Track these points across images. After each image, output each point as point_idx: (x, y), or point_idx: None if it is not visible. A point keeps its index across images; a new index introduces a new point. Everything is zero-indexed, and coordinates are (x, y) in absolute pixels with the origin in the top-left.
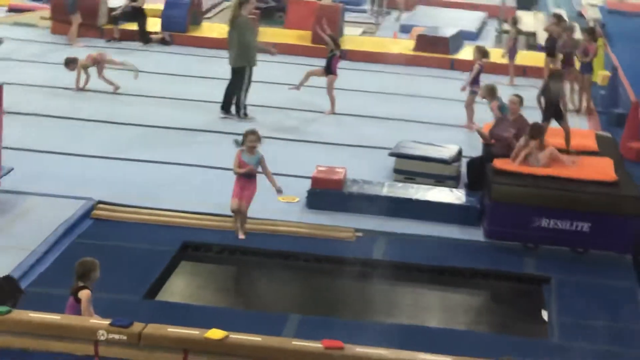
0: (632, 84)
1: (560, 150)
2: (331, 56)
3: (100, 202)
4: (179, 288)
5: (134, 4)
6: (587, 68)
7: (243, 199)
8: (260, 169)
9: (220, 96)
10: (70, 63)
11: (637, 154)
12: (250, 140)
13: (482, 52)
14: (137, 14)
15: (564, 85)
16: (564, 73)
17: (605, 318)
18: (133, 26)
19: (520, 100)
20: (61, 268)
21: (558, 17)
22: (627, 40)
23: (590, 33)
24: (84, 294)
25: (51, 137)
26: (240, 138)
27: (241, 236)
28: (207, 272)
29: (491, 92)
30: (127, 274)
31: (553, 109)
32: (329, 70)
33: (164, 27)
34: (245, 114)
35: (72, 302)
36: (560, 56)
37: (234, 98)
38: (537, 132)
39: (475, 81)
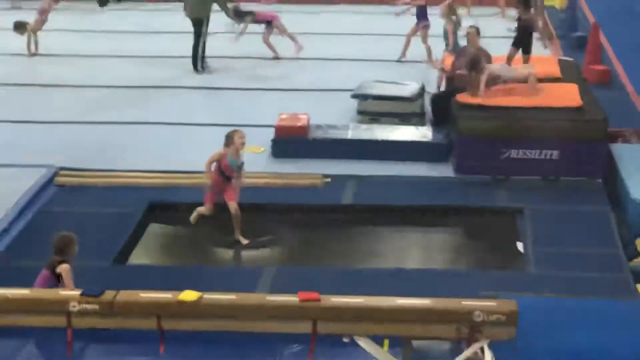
0: (590, 6)
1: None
2: None
3: (62, 168)
4: (148, 250)
5: None
6: None
7: (232, 199)
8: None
9: (176, 50)
10: (19, 27)
11: (600, 77)
12: (240, 137)
13: None
14: None
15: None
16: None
17: (581, 244)
18: None
19: (476, 30)
20: (27, 239)
21: None
22: None
23: None
24: (64, 268)
25: (6, 105)
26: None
27: (244, 241)
28: (176, 232)
29: (450, 11)
30: (95, 239)
31: (525, 38)
32: None
33: None
34: (203, 67)
35: (46, 275)
36: None
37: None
38: (474, 64)
39: (423, 16)
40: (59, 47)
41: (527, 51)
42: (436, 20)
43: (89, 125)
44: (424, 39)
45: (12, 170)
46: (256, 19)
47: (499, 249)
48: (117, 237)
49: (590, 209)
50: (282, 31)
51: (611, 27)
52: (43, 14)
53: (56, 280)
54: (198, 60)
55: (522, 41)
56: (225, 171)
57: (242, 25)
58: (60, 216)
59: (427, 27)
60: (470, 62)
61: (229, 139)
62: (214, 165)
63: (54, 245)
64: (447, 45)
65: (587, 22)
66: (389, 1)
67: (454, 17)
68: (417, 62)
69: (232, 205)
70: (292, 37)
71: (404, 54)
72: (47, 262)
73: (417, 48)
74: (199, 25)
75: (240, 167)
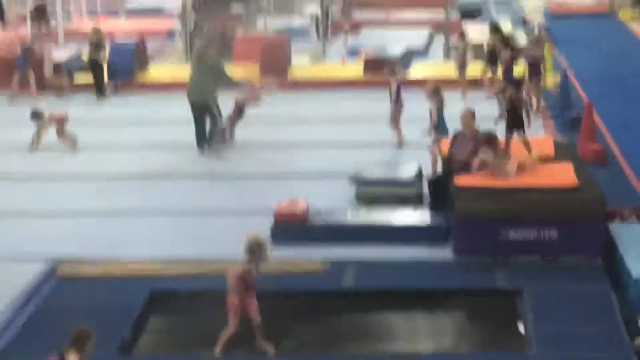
0: (582, 86)
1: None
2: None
3: (63, 260)
4: (153, 341)
5: (94, 57)
6: (536, 72)
7: (254, 309)
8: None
9: (177, 138)
10: (36, 116)
11: (595, 156)
12: (265, 251)
13: (393, 70)
14: (96, 66)
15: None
16: (524, 82)
17: (582, 324)
18: (83, 79)
19: (472, 114)
20: (29, 336)
21: (494, 28)
22: (572, 43)
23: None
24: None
25: (7, 197)
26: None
27: (271, 349)
28: (179, 321)
29: (434, 92)
30: (98, 330)
31: (516, 119)
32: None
33: (110, 75)
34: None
35: None
36: (500, 66)
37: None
38: (492, 140)
39: (397, 98)
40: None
41: (522, 133)
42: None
43: (88, 216)
44: (396, 120)
45: (13, 264)
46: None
47: (500, 330)
48: (120, 328)
49: (590, 288)
50: None
51: (604, 106)
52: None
53: None
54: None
55: (515, 123)
56: (250, 287)
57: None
58: (62, 309)
59: (401, 107)
60: (489, 139)
61: (256, 254)
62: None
63: (72, 337)
64: (434, 126)
65: (580, 102)
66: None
67: (438, 97)
68: (414, 146)
69: (255, 317)
70: None
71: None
72: (60, 350)
73: (413, 132)
74: (205, 111)
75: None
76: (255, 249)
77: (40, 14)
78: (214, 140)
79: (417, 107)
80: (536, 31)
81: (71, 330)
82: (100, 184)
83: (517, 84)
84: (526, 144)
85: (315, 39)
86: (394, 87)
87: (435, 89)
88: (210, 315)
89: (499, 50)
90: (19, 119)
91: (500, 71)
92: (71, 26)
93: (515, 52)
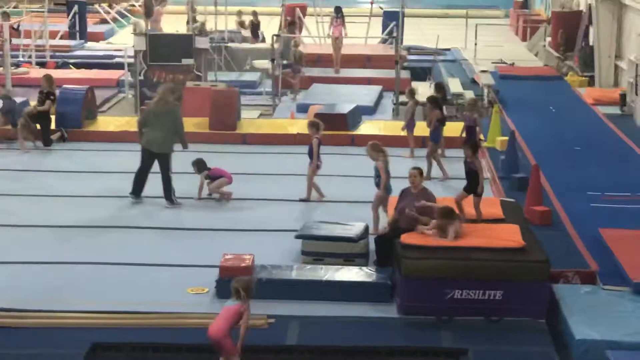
0: (529, 147)
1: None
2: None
3: (3, 309)
4: None
5: (41, 108)
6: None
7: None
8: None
9: (124, 189)
10: None
11: (541, 218)
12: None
13: (316, 126)
14: (42, 116)
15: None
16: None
17: None
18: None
19: (420, 172)
20: None
21: (439, 87)
22: (520, 105)
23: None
24: None
25: None
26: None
27: None
28: None
29: (375, 148)
30: None
31: (473, 183)
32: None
33: (58, 123)
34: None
35: None
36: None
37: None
38: (448, 215)
39: (317, 155)
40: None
41: (477, 194)
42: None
43: (26, 265)
44: (311, 177)
45: None
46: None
47: None
48: None
49: (534, 349)
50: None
51: (551, 168)
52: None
53: None
54: (172, 193)
55: (471, 185)
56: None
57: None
58: (2, 358)
59: (318, 167)
60: (443, 213)
61: (247, 287)
62: None
63: None
64: (377, 184)
65: (527, 163)
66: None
67: (382, 155)
68: (362, 202)
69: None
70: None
71: (309, 195)
72: None
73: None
74: (168, 159)
75: None
76: (249, 287)
77: None
78: (171, 194)
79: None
80: (485, 91)
81: None
82: (39, 232)
83: (473, 146)
84: (477, 208)
85: (265, 94)
86: (315, 143)
87: (376, 147)
88: None
89: (428, 109)
90: None
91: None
92: (19, 73)
93: (443, 113)
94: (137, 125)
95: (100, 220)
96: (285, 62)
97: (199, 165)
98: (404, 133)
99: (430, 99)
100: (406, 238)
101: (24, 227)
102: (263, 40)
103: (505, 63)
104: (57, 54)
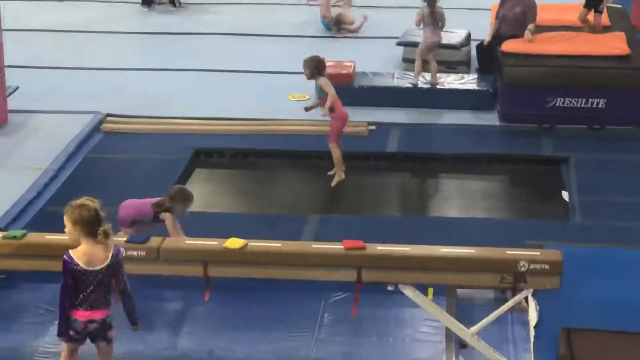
0: None
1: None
2: None
3: (109, 114)
4: (194, 197)
5: None
6: None
7: None
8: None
9: None
10: None
11: None
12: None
13: None
14: None
15: None
16: None
17: (626, 194)
18: None
19: None
20: (75, 185)
21: None
22: None
23: None
24: (168, 217)
25: (53, 52)
26: None
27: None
28: (221, 178)
29: None
30: (141, 186)
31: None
32: None
33: None
34: (180, 2)
35: (148, 211)
36: None
37: None
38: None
39: None
40: None
41: (598, 10)
42: None
43: (134, 72)
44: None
45: (60, 117)
46: None
47: (544, 198)
48: (163, 183)
49: (636, 158)
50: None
51: None
52: None
53: (151, 221)
54: None
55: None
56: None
57: None
58: (107, 162)
59: None
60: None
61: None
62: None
63: (172, 194)
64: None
65: None
66: None
67: None
68: (463, 9)
69: None
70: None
71: None
72: (156, 202)
73: None
74: None
75: None
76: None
77: None
78: None
79: None
80: None
81: (172, 189)
82: (142, 39)
83: None
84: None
85: None
86: None
87: None
88: (253, 173)
89: None
90: None
91: None
92: None
93: None
94: None
95: (203, 27)
96: None
97: None
98: None
99: None
100: (507, 45)
101: (124, 34)
102: None
103: None
104: None
